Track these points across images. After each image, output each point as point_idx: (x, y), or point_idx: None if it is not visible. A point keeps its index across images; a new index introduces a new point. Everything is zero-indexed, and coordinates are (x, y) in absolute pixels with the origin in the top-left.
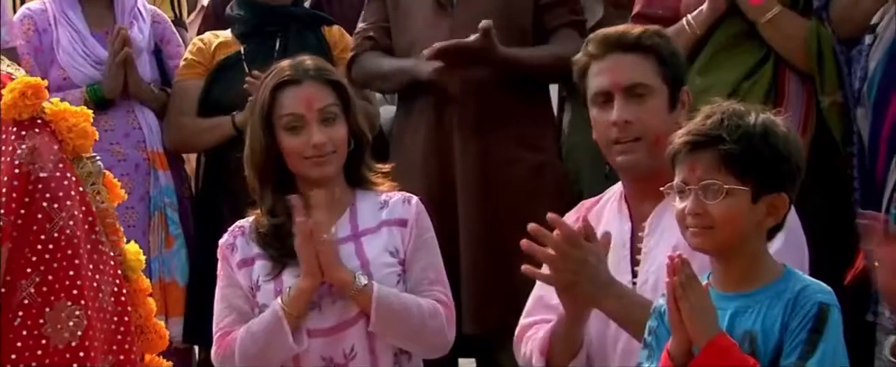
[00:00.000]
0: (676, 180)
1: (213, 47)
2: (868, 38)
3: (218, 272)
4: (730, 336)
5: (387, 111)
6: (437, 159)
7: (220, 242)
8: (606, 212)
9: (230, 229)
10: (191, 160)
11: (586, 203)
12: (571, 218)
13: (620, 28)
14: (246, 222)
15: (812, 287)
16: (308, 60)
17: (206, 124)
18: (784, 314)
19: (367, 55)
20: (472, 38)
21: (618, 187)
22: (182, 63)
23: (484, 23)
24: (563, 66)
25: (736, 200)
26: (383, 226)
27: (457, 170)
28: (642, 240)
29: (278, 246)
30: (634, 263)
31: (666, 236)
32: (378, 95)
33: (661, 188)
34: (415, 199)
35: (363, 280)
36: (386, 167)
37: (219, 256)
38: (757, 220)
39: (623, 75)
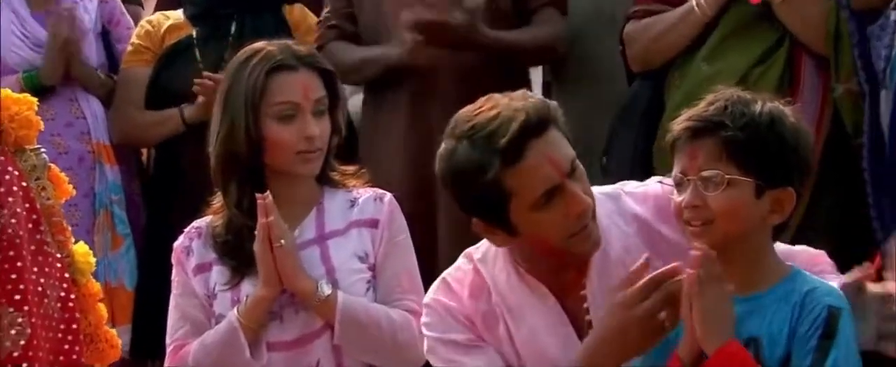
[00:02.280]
0: (675, 171)
1: (162, 30)
2: (894, 14)
3: (172, 278)
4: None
5: (360, 100)
6: (415, 151)
7: (175, 244)
8: (512, 298)
9: (186, 230)
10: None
11: (454, 280)
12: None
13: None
14: (203, 222)
15: (820, 289)
16: (294, 44)
17: (153, 118)
18: (791, 319)
19: (331, 46)
20: (457, 16)
21: (469, 270)
22: (129, 48)
23: (471, 1)
24: (548, 48)
25: (738, 192)
26: (352, 227)
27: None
28: (584, 300)
29: (237, 254)
30: (583, 326)
31: (613, 264)
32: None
33: (659, 179)
34: (387, 196)
35: (327, 289)
36: (350, 169)
37: (173, 260)
38: (760, 215)
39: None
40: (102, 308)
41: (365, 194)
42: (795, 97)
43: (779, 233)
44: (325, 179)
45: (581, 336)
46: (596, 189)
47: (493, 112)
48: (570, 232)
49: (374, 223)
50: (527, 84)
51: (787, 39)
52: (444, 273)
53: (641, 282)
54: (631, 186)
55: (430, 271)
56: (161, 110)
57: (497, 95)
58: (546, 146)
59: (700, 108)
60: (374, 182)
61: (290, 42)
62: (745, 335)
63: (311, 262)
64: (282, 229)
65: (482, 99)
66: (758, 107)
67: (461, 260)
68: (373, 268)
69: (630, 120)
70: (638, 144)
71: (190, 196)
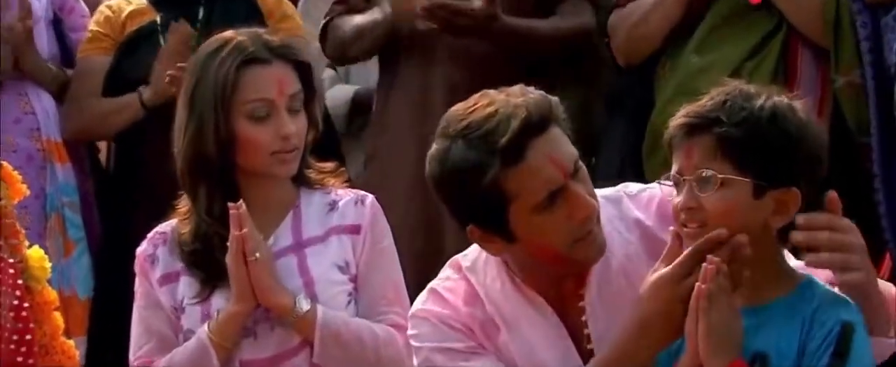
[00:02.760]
0: (672, 171)
1: (122, 16)
2: None
3: (136, 288)
4: (748, 365)
5: (341, 91)
6: (420, 141)
7: (138, 251)
8: (506, 308)
9: (149, 236)
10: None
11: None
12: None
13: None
14: (168, 227)
15: (834, 301)
16: (266, 34)
17: (110, 106)
18: (801, 334)
19: (335, 21)
20: (476, 2)
21: (460, 286)
22: (87, 35)
23: None
24: (573, 40)
25: (733, 192)
26: (332, 234)
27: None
28: (582, 311)
29: (206, 264)
30: (582, 338)
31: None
32: (328, 73)
33: (659, 181)
34: (369, 199)
35: (305, 305)
36: (328, 166)
37: (136, 268)
38: (761, 218)
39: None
40: (59, 317)
41: (345, 196)
42: (791, 90)
43: (787, 236)
44: (301, 179)
45: (580, 350)
46: (597, 192)
47: (490, 109)
48: (574, 237)
49: (355, 229)
50: (544, 73)
51: (783, 28)
52: (432, 284)
53: (683, 256)
54: (633, 188)
55: (437, 259)
56: (120, 97)
57: (492, 92)
58: (548, 145)
59: (699, 103)
60: (384, 169)
61: (261, 31)
62: (752, 351)
63: (288, 272)
64: (257, 242)
65: (476, 96)
66: (759, 101)
67: (448, 270)
68: (354, 278)
69: (619, 117)
70: (627, 143)
71: (154, 192)
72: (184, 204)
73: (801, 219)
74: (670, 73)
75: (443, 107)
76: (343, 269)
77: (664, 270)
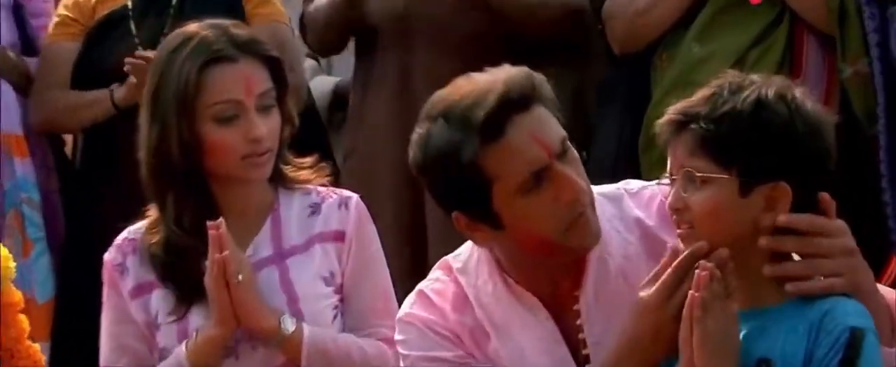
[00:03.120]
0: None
1: (93, 1)
2: None
3: (104, 300)
4: None
5: (322, 82)
6: (403, 134)
7: (106, 258)
8: (498, 312)
9: (118, 242)
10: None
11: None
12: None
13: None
14: (137, 231)
15: (842, 307)
16: (233, 27)
17: (79, 100)
18: (808, 341)
19: (314, 7)
20: None
21: (448, 285)
22: (54, 20)
23: None
24: (567, 15)
25: (717, 190)
26: (315, 242)
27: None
28: (577, 313)
29: (181, 280)
30: (578, 344)
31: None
32: (309, 63)
33: (658, 181)
34: (354, 200)
35: (290, 325)
36: (307, 162)
37: (104, 277)
38: (750, 216)
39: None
40: (24, 320)
41: (328, 198)
42: (797, 81)
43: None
44: (279, 179)
45: (575, 355)
46: (595, 189)
47: (469, 87)
48: (564, 223)
49: (339, 236)
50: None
51: (788, 15)
52: (420, 285)
53: (665, 276)
54: (634, 185)
55: (420, 259)
56: (89, 91)
57: (476, 73)
58: (530, 122)
59: (690, 98)
60: (365, 166)
61: (228, 24)
62: (755, 357)
63: (270, 286)
64: (239, 262)
65: (459, 78)
66: (746, 93)
67: (437, 272)
68: (340, 288)
69: (612, 109)
70: (622, 137)
71: (124, 188)
72: (152, 211)
73: (781, 218)
74: (668, 63)
75: (425, 97)
76: (328, 280)
77: (649, 292)
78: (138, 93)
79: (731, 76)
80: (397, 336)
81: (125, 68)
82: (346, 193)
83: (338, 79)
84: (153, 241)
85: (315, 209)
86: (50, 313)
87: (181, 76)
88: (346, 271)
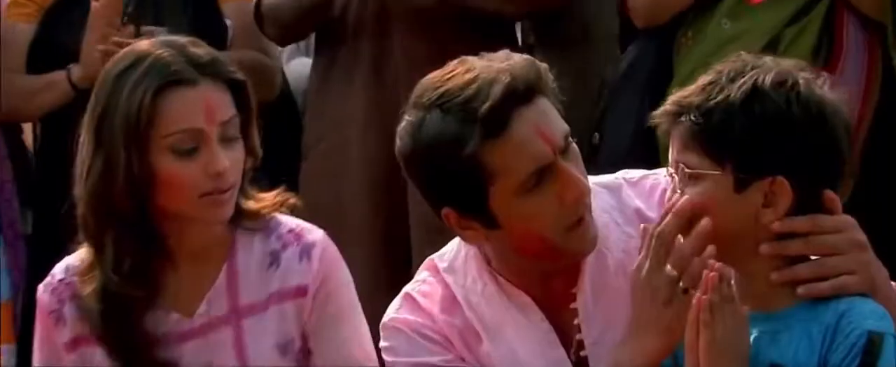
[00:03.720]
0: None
1: None
2: None
3: (35, 340)
4: None
5: (302, 64)
6: (379, 124)
7: (40, 298)
8: (489, 313)
9: (52, 283)
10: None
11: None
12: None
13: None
14: (75, 268)
15: (859, 309)
16: (191, 46)
17: (35, 84)
18: (823, 345)
19: None
20: None
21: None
22: (7, 1)
23: None
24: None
25: (710, 186)
26: (273, 303)
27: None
28: (575, 314)
29: (118, 339)
30: (574, 345)
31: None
32: (289, 46)
33: (664, 173)
34: (317, 249)
35: None
36: (268, 197)
37: (37, 318)
38: (749, 213)
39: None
40: None
41: (289, 245)
42: (835, 66)
43: None
44: (237, 217)
45: (572, 357)
46: (592, 179)
47: (469, 75)
48: (564, 224)
49: (301, 292)
50: (513, 40)
51: None
52: (406, 288)
53: (645, 246)
54: (635, 174)
55: (404, 261)
56: (46, 74)
57: (471, 58)
58: (536, 116)
59: (689, 87)
60: (331, 164)
61: (185, 42)
62: (767, 362)
63: (222, 351)
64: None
65: (453, 62)
66: (742, 80)
67: (424, 273)
68: (300, 352)
69: (630, 89)
70: (639, 120)
71: None
72: (85, 254)
73: (775, 225)
74: (694, 41)
75: (402, 86)
76: (285, 348)
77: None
78: (99, 69)
79: (734, 60)
80: (383, 343)
81: (98, 52)
82: (310, 237)
83: None
84: (86, 291)
85: (274, 259)
86: (10, 313)
87: (133, 101)
88: (309, 326)
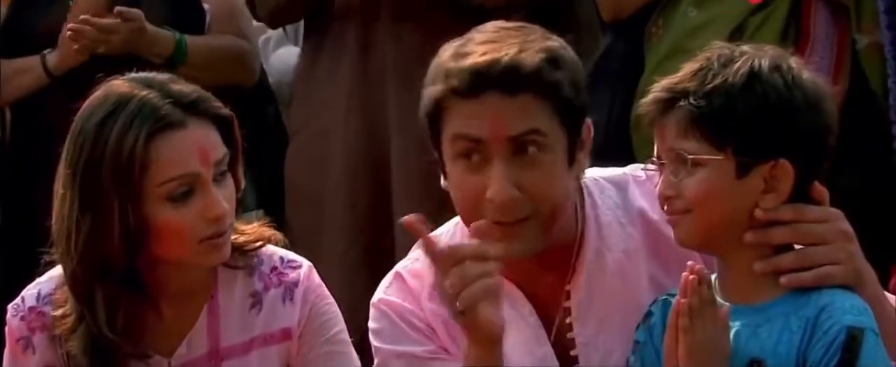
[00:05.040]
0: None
1: None
2: None
3: (4, 362)
4: None
5: (290, 53)
6: (362, 111)
7: (10, 321)
8: None
9: (22, 304)
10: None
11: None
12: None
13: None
14: (47, 297)
15: (840, 303)
16: (172, 83)
17: (8, 68)
18: (801, 341)
19: None
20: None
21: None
22: None
23: None
24: None
25: (712, 173)
26: (255, 346)
27: (390, 124)
28: (566, 310)
29: None
30: (565, 345)
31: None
32: (275, 33)
33: (642, 167)
34: (299, 287)
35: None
36: (250, 229)
37: (7, 343)
38: (751, 198)
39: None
40: None
41: (271, 287)
42: (803, 51)
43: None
44: None
45: (562, 357)
46: (599, 173)
47: (498, 39)
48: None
49: (286, 335)
50: None
51: None
52: (399, 266)
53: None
54: (641, 174)
55: (387, 248)
56: (18, 59)
57: (529, 27)
58: (503, 105)
59: (675, 74)
60: (315, 150)
61: (164, 79)
62: (747, 357)
63: None
64: None
65: (517, 23)
66: (737, 65)
67: (417, 250)
68: None
69: (602, 82)
70: (612, 110)
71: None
72: (66, 305)
73: (759, 213)
74: (663, 30)
75: (389, 71)
76: None
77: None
78: (75, 55)
79: (720, 47)
80: (370, 323)
81: (67, 35)
82: (292, 276)
83: None
84: (70, 341)
85: (256, 301)
86: None
87: (122, 149)
88: (296, 364)
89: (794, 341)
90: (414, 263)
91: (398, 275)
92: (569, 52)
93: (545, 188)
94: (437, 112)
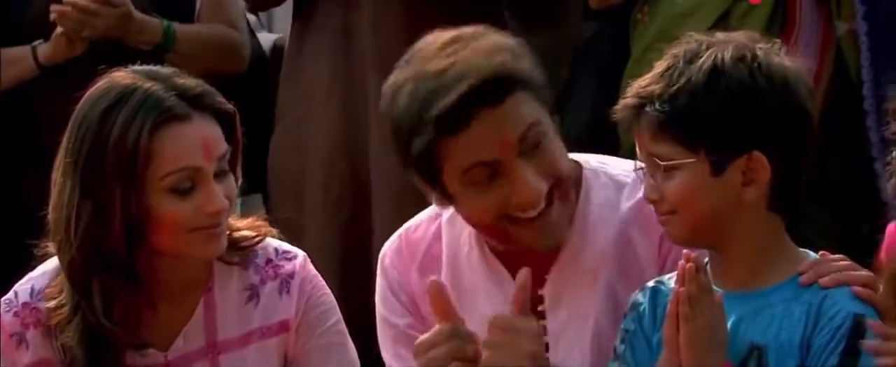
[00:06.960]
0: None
1: None
2: None
3: None
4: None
5: (262, 40)
6: (342, 94)
7: (2, 316)
8: (467, 277)
9: (15, 299)
10: None
11: (410, 242)
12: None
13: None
14: (40, 293)
15: (842, 289)
16: (176, 77)
17: None
18: (805, 327)
19: None
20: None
21: (460, 230)
22: None
23: None
24: None
25: (687, 175)
26: (253, 340)
27: (370, 112)
28: (540, 298)
29: None
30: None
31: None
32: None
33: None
34: (295, 278)
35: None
36: (244, 224)
37: None
38: (732, 195)
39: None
40: None
41: (267, 280)
42: (789, 37)
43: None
44: None
45: None
46: (608, 168)
47: (447, 61)
48: (509, 218)
49: (284, 327)
50: (495, 13)
51: None
52: (407, 224)
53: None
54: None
55: (365, 235)
56: (7, 49)
57: (468, 33)
58: (496, 120)
59: (645, 76)
60: (299, 138)
61: (169, 73)
62: (747, 343)
63: None
64: None
65: (453, 33)
66: (700, 60)
67: (428, 211)
68: None
69: (588, 70)
70: (597, 101)
71: (47, 160)
72: (60, 296)
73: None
74: (649, 17)
75: (369, 58)
76: None
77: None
78: (68, 48)
79: (688, 42)
80: (377, 278)
81: (52, 17)
82: (288, 268)
83: (277, 36)
84: (65, 332)
85: (253, 294)
86: None
87: (127, 140)
88: (294, 356)
89: (798, 327)
90: (418, 226)
91: (401, 236)
92: (508, 38)
93: (557, 167)
94: (431, 158)
